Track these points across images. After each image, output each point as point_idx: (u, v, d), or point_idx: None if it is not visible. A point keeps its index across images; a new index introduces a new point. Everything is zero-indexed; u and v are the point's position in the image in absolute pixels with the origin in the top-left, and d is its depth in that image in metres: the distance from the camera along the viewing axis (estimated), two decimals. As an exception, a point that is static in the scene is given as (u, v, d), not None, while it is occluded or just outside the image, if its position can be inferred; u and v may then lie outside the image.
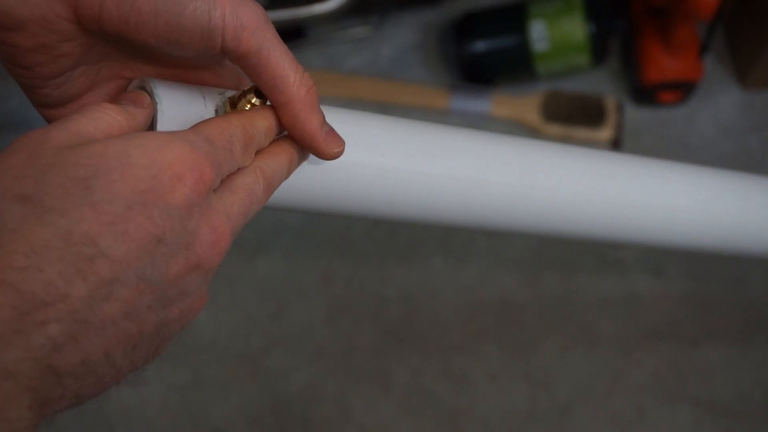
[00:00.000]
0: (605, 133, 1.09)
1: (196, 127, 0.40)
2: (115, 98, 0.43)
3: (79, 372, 0.36)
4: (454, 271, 1.05)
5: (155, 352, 0.39)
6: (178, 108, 0.42)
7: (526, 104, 1.10)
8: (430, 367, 1.03)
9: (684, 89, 1.09)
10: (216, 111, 0.43)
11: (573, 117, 1.09)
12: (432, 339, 1.04)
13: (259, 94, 0.43)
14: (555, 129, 1.10)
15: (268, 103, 0.43)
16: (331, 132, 0.44)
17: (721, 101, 1.12)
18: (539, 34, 1.08)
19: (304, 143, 0.44)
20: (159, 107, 0.41)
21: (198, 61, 0.44)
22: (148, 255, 0.36)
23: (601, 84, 1.13)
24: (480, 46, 1.09)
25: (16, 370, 0.34)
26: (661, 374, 1.02)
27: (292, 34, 1.12)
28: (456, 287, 1.05)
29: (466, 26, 1.10)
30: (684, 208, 0.56)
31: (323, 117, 0.43)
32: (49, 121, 0.44)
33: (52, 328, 0.34)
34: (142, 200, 0.36)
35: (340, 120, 0.46)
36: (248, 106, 0.43)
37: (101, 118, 0.39)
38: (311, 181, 0.47)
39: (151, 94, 0.41)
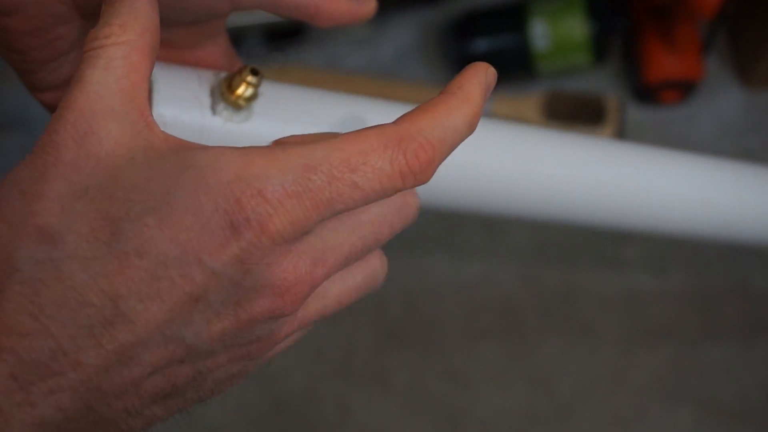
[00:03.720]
0: (606, 132, 1.09)
1: (293, 149, 0.32)
2: None
3: (94, 430, 0.32)
4: (454, 270, 1.05)
5: (213, 390, 0.35)
6: (173, 87, 0.42)
7: (526, 103, 1.10)
8: (430, 367, 1.02)
9: (685, 89, 1.09)
10: (211, 91, 0.43)
11: (574, 116, 1.09)
12: (432, 339, 1.04)
13: (254, 72, 0.43)
14: (556, 128, 1.10)
15: (263, 79, 0.43)
16: None
17: (722, 101, 1.11)
18: (540, 33, 1.08)
19: (344, 22, 0.40)
20: (154, 87, 0.41)
21: (196, 33, 0.43)
22: (181, 316, 0.31)
23: (602, 83, 1.12)
24: (480, 45, 1.09)
25: None
26: (662, 374, 1.01)
27: (292, 34, 1.12)
28: (456, 287, 1.05)
29: (467, 25, 1.10)
30: (683, 194, 0.56)
31: None
32: (45, 105, 0.44)
33: (63, 400, 0.30)
34: (181, 254, 0.30)
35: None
36: (244, 85, 0.43)
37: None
38: None
39: None
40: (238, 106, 0.43)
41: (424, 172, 0.33)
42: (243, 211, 0.30)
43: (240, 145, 0.44)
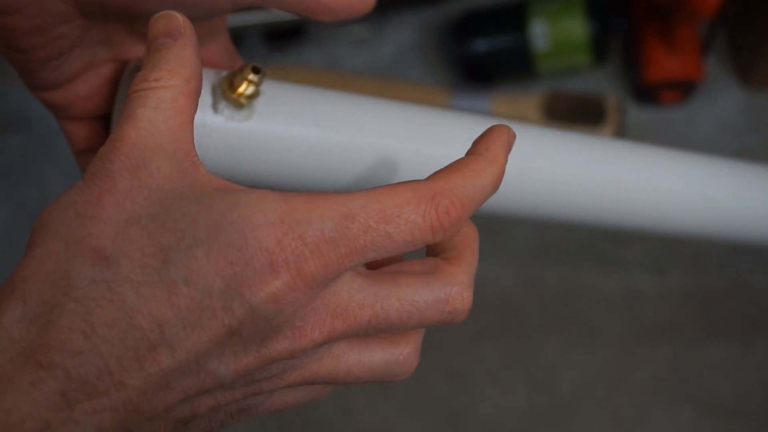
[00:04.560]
0: (606, 132, 1.09)
1: (333, 197, 0.33)
2: (112, 80, 0.43)
3: None
4: (455, 270, 1.05)
5: (221, 423, 0.35)
6: None
7: (526, 103, 1.10)
8: (430, 367, 1.02)
9: (685, 89, 1.09)
10: (213, 89, 0.43)
11: (574, 116, 1.09)
12: (432, 339, 1.03)
13: (256, 70, 0.43)
14: (556, 128, 1.10)
15: (264, 77, 0.43)
16: None
17: (722, 101, 1.11)
18: (540, 33, 1.08)
19: (344, 15, 0.41)
20: None
21: (197, 32, 0.43)
22: (217, 347, 0.32)
23: (602, 83, 1.12)
24: (480, 45, 1.09)
25: None
26: (662, 374, 1.01)
27: (292, 34, 1.12)
28: (456, 287, 1.05)
29: (467, 25, 1.10)
30: (683, 192, 0.56)
31: None
32: (46, 104, 0.44)
33: (104, 419, 0.31)
34: (226, 287, 0.32)
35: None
36: (245, 83, 0.43)
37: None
38: None
39: None
40: (239, 104, 0.43)
41: (453, 227, 0.35)
42: (283, 252, 0.32)
43: (241, 143, 0.45)
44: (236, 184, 0.35)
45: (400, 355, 0.37)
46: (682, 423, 1.00)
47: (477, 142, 0.37)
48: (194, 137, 0.42)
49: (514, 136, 0.38)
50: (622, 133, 1.09)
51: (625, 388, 1.01)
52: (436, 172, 0.36)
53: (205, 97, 0.43)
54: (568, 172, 0.52)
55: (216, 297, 0.32)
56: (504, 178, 0.49)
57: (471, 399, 1.01)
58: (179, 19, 0.36)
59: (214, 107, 0.44)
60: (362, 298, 0.34)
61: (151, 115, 0.34)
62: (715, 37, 1.05)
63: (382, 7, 1.22)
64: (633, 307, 1.04)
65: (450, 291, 0.37)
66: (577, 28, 1.07)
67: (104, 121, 0.46)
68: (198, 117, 0.43)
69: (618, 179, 0.54)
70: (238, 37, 1.09)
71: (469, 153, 0.37)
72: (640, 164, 0.55)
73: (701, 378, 1.01)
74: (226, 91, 0.43)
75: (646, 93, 1.09)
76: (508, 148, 0.38)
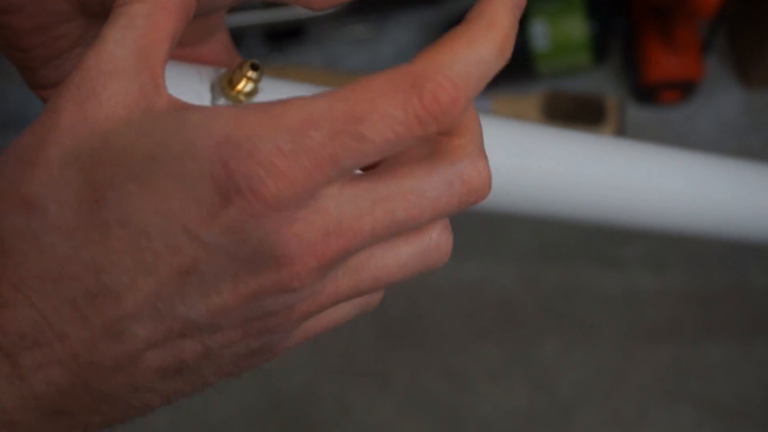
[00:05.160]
0: (606, 131, 1.09)
1: (292, 103, 0.28)
2: None
3: (99, 408, 0.30)
4: (454, 270, 1.05)
5: (238, 365, 0.33)
6: (173, 83, 0.41)
7: (526, 103, 1.10)
8: (430, 367, 1.02)
9: (685, 88, 1.09)
10: (212, 86, 0.43)
11: (574, 116, 1.09)
12: (432, 339, 1.03)
13: (255, 67, 0.43)
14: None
15: (263, 74, 0.43)
16: None
17: (722, 101, 1.11)
18: (540, 33, 1.08)
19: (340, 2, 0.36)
20: None
21: (196, 29, 0.43)
22: (173, 290, 0.29)
23: (602, 83, 1.12)
24: (480, 45, 1.09)
25: (19, 420, 0.29)
26: (662, 374, 1.01)
27: (292, 34, 1.12)
28: (456, 287, 1.05)
29: (467, 25, 1.10)
30: (683, 190, 0.56)
31: None
32: (46, 101, 0.44)
33: (53, 373, 0.29)
34: (165, 224, 0.28)
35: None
36: (244, 80, 0.43)
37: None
38: None
39: None
40: (238, 101, 0.43)
41: (447, 114, 0.28)
42: (232, 176, 0.27)
43: None
44: (197, 105, 0.30)
45: (430, 241, 0.32)
46: (682, 423, 1.00)
47: (471, 10, 0.30)
48: None
49: None
50: (622, 133, 1.09)
51: (625, 388, 1.01)
52: (420, 52, 0.29)
53: (204, 95, 0.43)
54: (569, 169, 0.52)
55: (155, 237, 0.28)
56: (504, 177, 0.48)
57: (471, 399, 1.01)
58: None
59: (213, 104, 0.44)
60: (356, 207, 0.29)
61: (119, 34, 0.31)
62: (715, 37, 1.05)
63: (382, 7, 1.22)
64: (633, 307, 1.04)
65: (462, 167, 0.30)
66: (577, 28, 1.07)
67: None
68: None
69: (619, 177, 0.54)
70: (237, 37, 1.09)
71: (462, 23, 0.30)
72: (641, 162, 0.55)
73: (701, 378, 1.01)
74: (225, 88, 0.43)
75: (646, 93, 1.09)
76: (513, 8, 0.30)
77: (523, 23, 1.08)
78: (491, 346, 1.03)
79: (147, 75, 0.31)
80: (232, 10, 0.44)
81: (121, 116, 0.29)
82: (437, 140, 0.31)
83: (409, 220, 0.30)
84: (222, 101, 0.44)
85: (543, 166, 0.51)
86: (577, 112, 1.10)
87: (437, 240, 0.32)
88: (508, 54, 0.30)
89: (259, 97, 0.45)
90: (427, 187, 0.30)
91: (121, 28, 0.31)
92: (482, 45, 0.29)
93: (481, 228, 1.06)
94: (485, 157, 0.31)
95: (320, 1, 0.35)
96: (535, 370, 1.02)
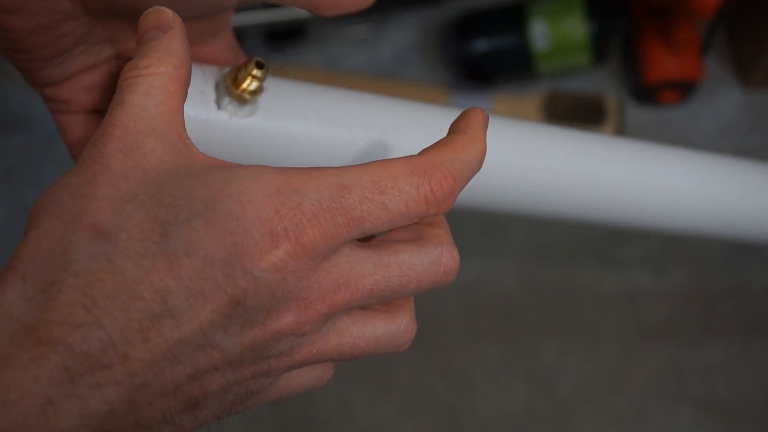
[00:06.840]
0: (606, 132, 1.09)
1: (328, 170, 0.34)
2: (114, 76, 0.43)
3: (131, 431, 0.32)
4: (455, 270, 1.05)
5: (230, 409, 0.36)
6: None
7: (526, 103, 1.10)
8: (430, 367, 1.02)
9: (685, 89, 1.09)
10: (216, 85, 0.43)
11: (574, 116, 1.09)
12: (432, 339, 1.03)
13: (260, 65, 0.43)
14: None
15: (267, 72, 0.43)
16: None
17: (722, 101, 1.11)
18: (540, 33, 1.08)
19: (347, 10, 0.42)
20: None
21: (201, 29, 0.43)
22: (222, 318, 0.32)
23: (602, 83, 1.12)
24: (480, 45, 1.09)
25: None
26: (662, 374, 1.01)
27: (292, 34, 1.12)
28: (456, 287, 1.05)
29: (467, 25, 1.10)
30: (683, 189, 0.56)
31: None
32: (48, 99, 0.44)
33: (109, 393, 0.31)
34: (226, 257, 0.32)
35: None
36: (249, 78, 0.43)
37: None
38: None
39: None
40: (243, 100, 0.43)
41: (446, 200, 0.35)
42: (282, 221, 0.32)
43: (245, 139, 0.44)
44: (232, 162, 0.35)
45: (400, 325, 0.38)
46: (682, 423, 1.00)
47: (456, 123, 0.38)
48: (198, 134, 0.42)
49: (488, 117, 0.39)
50: (621, 133, 1.09)
51: (625, 388, 1.01)
52: (426, 148, 0.36)
53: (209, 94, 0.43)
54: (570, 168, 0.52)
55: (218, 266, 0.32)
56: (505, 175, 0.49)
57: (471, 399, 1.01)
58: (169, 13, 0.37)
59: (218, 103, 0.43)
60: (363, 268, 0.35)
61: (141, 100, 0.35)
62: (715, 37, 1.05)
63: (382, 7, 1.22)
64: (633, 307, 1.04)
65: (441, 252, 0.37)
66: (577, 28, 1.07)
67: (102, 115, 0.46)
68: (202, 113, 0.43)
69: (620, 176, 0.54)
70: (238, 37, 1.09)
71: (450, 132, 0.38)
72: (642, 161, 0.55)
73: (701, 378, 1.01)
74: (229, 87, 0.43)
75: (646, 93, 1.09)
76: (486, 128, 0.38)
77: (524, 23, 1.08)
78: (491, 346, 1.03)
79: (176, 135, 0.35)
80: (238, 10, 0.44)
81: (167, 168, 0.34)
82: (421, 228, 0.37)
83: (399, 287, 0.36)
84: (227, 100, 0.44)
85: (544, 165, 0.51)
86: (577, 112, 1.10)
87: (406, 327, 0.38)
88: (482, 163, 0.37)
89: (264, 96, 0.45)
90: (416, 263, 0.36)
91: (143, 96, 0.35)
92: (471, 152, 0.36)
93: (481, 228, 1.06)
94: (456, 248, 0.38)
95: (328, 9, 0.39)
96: (535, 370, 1.02)
